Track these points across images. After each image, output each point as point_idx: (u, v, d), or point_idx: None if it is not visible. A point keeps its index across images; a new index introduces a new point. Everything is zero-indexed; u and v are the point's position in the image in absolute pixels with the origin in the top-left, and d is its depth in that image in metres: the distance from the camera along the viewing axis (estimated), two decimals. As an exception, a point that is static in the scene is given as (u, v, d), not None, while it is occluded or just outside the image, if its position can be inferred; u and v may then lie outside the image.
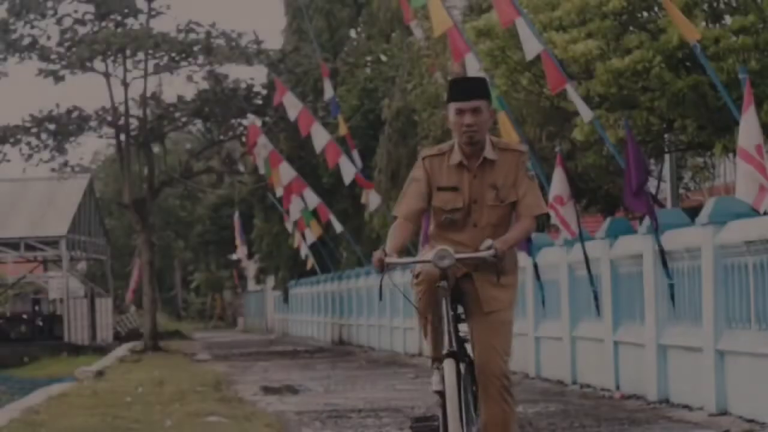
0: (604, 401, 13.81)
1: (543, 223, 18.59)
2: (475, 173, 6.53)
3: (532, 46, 12.82)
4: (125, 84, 37.20)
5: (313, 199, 29.61)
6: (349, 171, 26.21)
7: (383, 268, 6.33)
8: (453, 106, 6.49)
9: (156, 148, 40.47)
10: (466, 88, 6.50)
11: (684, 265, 12.80)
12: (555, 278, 16.76)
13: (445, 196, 6.54)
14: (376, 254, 6.35)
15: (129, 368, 24.69)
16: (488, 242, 6.37)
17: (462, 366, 6.43)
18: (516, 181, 6.51)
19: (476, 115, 6.43)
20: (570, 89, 12.72)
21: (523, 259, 16.05)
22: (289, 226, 34.74)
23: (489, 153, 6.51)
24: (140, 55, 36.61)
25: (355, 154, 27.44)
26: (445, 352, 6.35)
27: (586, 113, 12.80)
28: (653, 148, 15.65)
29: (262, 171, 32.65)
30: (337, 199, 36.89)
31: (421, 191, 6.56)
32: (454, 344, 6.34)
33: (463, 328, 6.58)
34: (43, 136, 36.86)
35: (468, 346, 6.58)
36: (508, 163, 6.53)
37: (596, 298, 15.27)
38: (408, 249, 6.36)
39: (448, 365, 6.32)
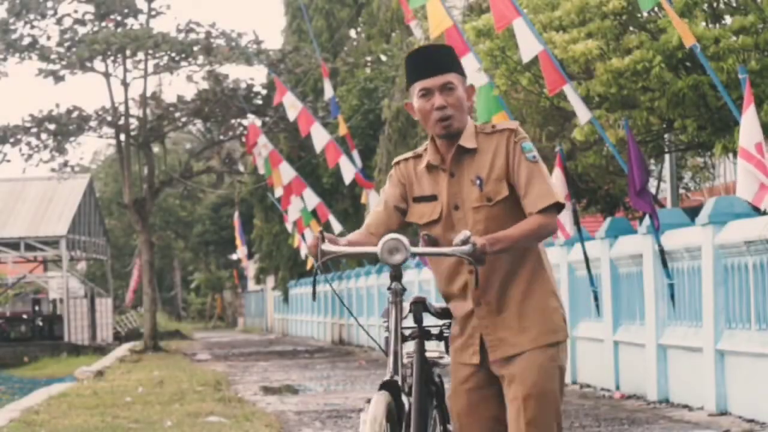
0: (604, 401, 13.81)
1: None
2: (450, 170, 4.91)
3: (529, 49, 12.81)
4: (125, 84, 37.23)
5: (312, 199, 29.60)
6: (349, 171, 26.20)
7: (318, 256, 4.83)
8: (416, 87, 4.88)
9: (156, 148, 40.50)
10: (430, 61, 4.88)
11: (684, 265, 12.81)
12: (555, 278, 16.76)
13: (422, 209, 4.96)
14: (313, 239, 4.90)
15: (129, 368, 24.69)
16: (465, 233, 4.69)
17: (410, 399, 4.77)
18: (509, 170, 4.84)
19: (447, 93, 4.85)
20: (568, 90, 12.70)
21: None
22: (289, 227, 34.75)
23: (466, 140, 4.87)
24: (140, 55, 36.63)
25: (355, 154, 27.44)
26: (384, 379, 4.71)
27: (583, 114, 12.79)
28: (653, 148, 15.64)
29: (262, 171, 32.65)
30: (337, 199, 36.93)
31: (389, 212, 5.04)
32: (398, 371, 4.71)
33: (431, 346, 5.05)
34: (43, 136, 36.88)
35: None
36: (494, 148, 4.87)
37: (596, 298, 15.27)
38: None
39: (375, 403, 4.57)
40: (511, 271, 4.87)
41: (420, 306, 4.91)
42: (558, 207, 4.85)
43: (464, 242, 4.67)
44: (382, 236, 4.91)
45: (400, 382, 4.71)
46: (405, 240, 4.73)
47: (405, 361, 4.84)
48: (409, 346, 4.93)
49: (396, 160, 5.11)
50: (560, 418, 4.89)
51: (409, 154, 5.07)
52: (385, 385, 4.65)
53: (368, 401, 4.62)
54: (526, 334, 4.84)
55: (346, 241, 4.98)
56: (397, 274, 4.77)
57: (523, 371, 4.81)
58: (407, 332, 4.90)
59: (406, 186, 5.02)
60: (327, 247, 4.83)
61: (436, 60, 4.88)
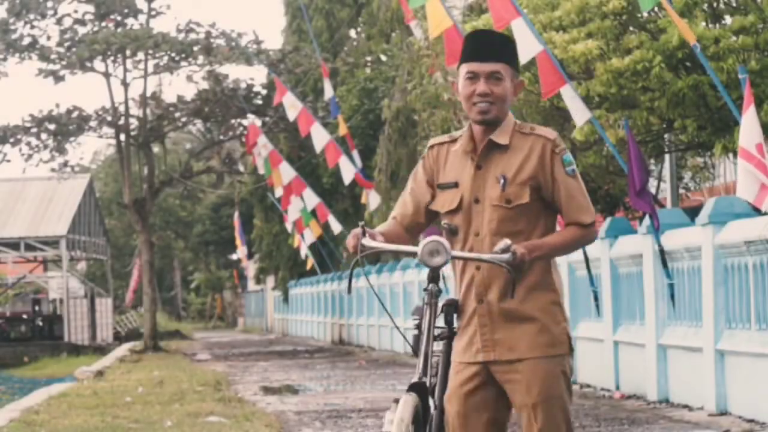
0: (604, 401, 13.81)
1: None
2: (478, 162, 4.83)
3: (526, 50, 12.79)
4: (125, 84, 37.22)
5: (312, 199, 29.62)
6: (349, 171, 26.21)
7: (357, 250, 4.77)
8: (464, 69, 4.81)
9: (156, 148, 40.49)
10: (484, 46, 4.80)
11: (684, 265, 12.81)
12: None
13: (444, 196, 4.89)
14: (354, 232, 4.81)
15: (129, 368, 24.68)
16: (506, 242, 4.65)
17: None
18: (540, 179, 4.78)
19: (494, 82, 4.77)
20: (565, 92, 12.69)
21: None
22: (288, 227, 34.78)
23: (500, 135, 4.80)
24: (140, 55, 36.63)
25: (355, 154, 27.45)
26: (412, 380, 4.66)
27: (579, 117, 12.78)
28: (653, 148, 15.65)
29: (261, 171, 32.66)
30: (337, 199, 36.95)
31: (418, 206, 4.97)
32: (427, 373, 4.67)
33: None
34: (43, 136, 36.88)
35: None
36: (527, 151, 4.79)
37: (596, 298, 15.27)
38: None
39: (404, 404, 4.53)
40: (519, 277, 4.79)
41: (452, 308, 4.86)
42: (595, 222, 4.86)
43: (505, 250, 4.63)
44: (408, 228, 4.92)
45: (428, 384, 4.66)
46: (446, 243, 4.68)
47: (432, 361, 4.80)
48: (437, 346, 4.89)
49: (431, 142, 5.03)
50: (570, 423, 4.87)
51: (446, 137, 5.01)
52: (414, 387, 4.62)
53: (395, 401, 4.58)
54: (523, 340, 4.78)
55: (381, 235, 4.90)
56: (435, 276, 4.70)
57: (527, 380, 4.78)
58: (436, 332, 4.84)
59: (434, 173, 4.94)
60: (367, 242, 4.77)
61: (490, 46, 4.80)
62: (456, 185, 4.85)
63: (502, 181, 4.77)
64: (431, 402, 4.70)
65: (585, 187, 4.88)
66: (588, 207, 4.83)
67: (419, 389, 4.62)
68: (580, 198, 4.80)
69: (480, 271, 4.80)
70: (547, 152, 4.79)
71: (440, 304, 4.83)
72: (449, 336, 4.87)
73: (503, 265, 4.63)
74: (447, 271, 4.86)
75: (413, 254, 4.75)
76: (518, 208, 4.78)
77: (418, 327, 4.80)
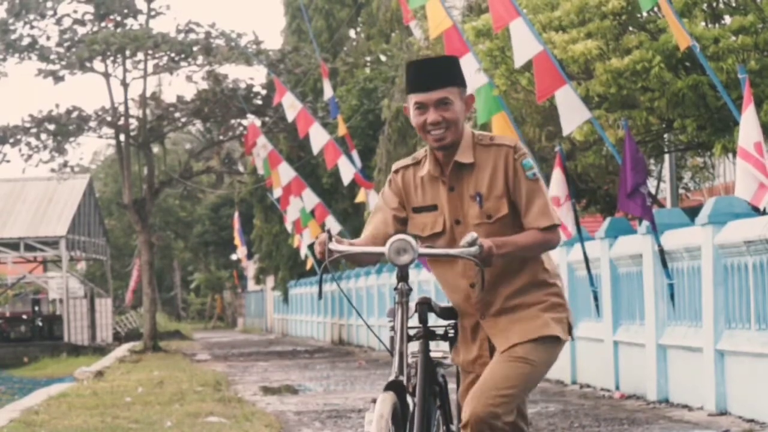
0: (604, 401, 13.81)
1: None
2: (450, 184, 4.90)
3: (524, 53, 12.77)
4: (125, 84, 37.20)
5: (311, 199, 29.59)
6: (348, 171, 26.18)
7: (325, 255, 4.87)
8: (412, 99, 4.86)
9: (156, 148, 40.48)
10: (428, 75, 4.81)
11: (684, 265, 12.81)
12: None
13: (423, 219, 4.94)
14: (321, 237, 4.87)
15: (129, 368, 24.67)
16: (473, 234, 4.70)
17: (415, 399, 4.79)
18: (509, 188, 4.85)
19: (443, 109, 4.80)
20: (559, 96, 12.67)
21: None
22: (288, 227, 34.78)
23: (463, 154, 4.85)
24: (140, 56, 36.62)
25: (355, 154, 27.42)
26: (389, 379, 4.70)
27: (568, 124, 12.77)
28: (653, 148, 15.65)
29: (261, 171, 32.64)
30: (337, 200, 36.94)
31: (387, 218, 5.00)
32: (403, 371, 4.71)
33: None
34: (43, 136, 36.85)
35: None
36: (493, 164, 4.86)
37: (596, 298, 15.27)
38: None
39: (382, 402, 4.57)
40: (512, 283, 4.93)
41: (425, 306, 4.91)
42: (557, 226, 4.92)
43: (471, 244, 4.68)
44: (379, 240, 4.93)
45: (405, 382, 4.70)
46: (412, 241, 4.72)
47: (410, 361, 4.83)
48: (414, 346, 4.93)
49: (395, 167, 5.06)
50: (526, 396, 4.94)
51: (409, 160, 5.05)
52: (391, 386, 4.66)
53: (373, 401, 4.60)
54: (520, 329, 4.90)
55: (367, 238, 5.01)
56: (403, 275, 4.76)
57: (511, 336, 4.88)
58: (412, 332, 4.90)
59: (404, 195, 4.99)
60: (335, 246, 4.83)
61: (433, 74, 4.81)
62: (435, 208, 4.92)
63: (478, 198, 4.85)
64: (410, 400, 4.74)
65: (546, 191, 4.93)
66: (547, 212, 4.85)
67: (396, 388, 4.65)
68: (540, 202, 4.84)
69: (474, 289, 4.89)
70: (510, 160, 4.84)
71: (413, 304, 4.86)
72: (425, 335, 4.93)
73: (471, 259, 4.69)
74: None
75: (381, 254, 4.79)
76: (500, 221, 4.86)
77: (393, 328, 4.82)
